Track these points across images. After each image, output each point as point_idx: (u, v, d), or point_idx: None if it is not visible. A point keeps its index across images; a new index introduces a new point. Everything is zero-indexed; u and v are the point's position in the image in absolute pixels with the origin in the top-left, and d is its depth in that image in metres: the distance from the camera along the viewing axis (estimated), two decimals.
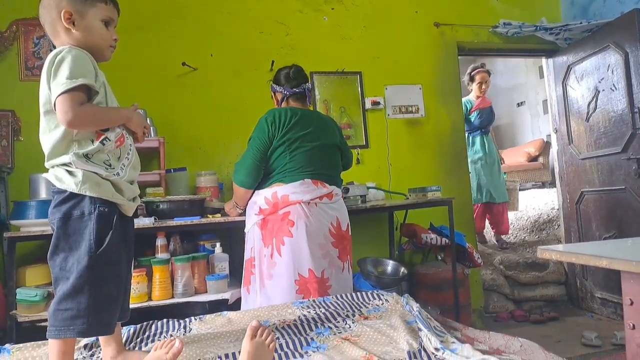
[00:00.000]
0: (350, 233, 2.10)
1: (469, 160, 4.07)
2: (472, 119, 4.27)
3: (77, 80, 1.17)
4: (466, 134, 4.14)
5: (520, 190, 5.80)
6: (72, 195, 1.20)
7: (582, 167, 3.66)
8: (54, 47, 1.28)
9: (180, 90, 3.06)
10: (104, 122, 1.25)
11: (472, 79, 4.35)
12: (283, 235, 1.88)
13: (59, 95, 1.16)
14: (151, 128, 2.80)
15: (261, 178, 2.00)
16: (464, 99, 4.11)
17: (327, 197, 1.98)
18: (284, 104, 2.14)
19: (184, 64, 3.03)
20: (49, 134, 1.22)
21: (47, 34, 1.32)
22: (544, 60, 4.10)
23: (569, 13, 3.94)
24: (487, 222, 4.43)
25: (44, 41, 2.86)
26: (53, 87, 1.17)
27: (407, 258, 3.36)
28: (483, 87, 4.29)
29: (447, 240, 2.91)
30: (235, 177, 2.04)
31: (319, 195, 1.94)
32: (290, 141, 1.96)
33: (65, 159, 1.21)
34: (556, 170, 4.04)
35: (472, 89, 4.36)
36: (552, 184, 4.42)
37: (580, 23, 3.60)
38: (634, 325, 1.09)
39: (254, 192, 2.04)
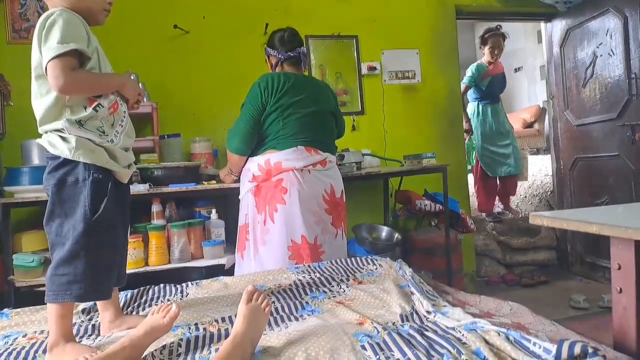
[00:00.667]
0: (344, 200, 2.10)
1: (479, 132, 3.97)
2: (484, 87, 3.96)
3: (68, 45, 1.14)
4: (475, 103, 4.02)
5: None
6: (66, 162, 1.19)
7: (576, 134, 3.67)
8: (42, 10, 1.24)
9: (173, 53, 2.99)
10: (96, 88, 1.23)
11: (484, 42, 4.00)
12: (276, 202, 1.89)
13: (49, 60, 1.13)
14: (144, 93, 2.75)
15: (255, 144, 1.99)
16: (474, 64, 3.96)
17: (320, 164, 1.97)
18: (278, 69, 2.10)
19: (175, 26, 2.95)
20: (41, 99, 1.20)
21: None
22: (542, 25, 4.03)
23: None
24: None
25: (31, 2, 2.76)
26: (44, 51, 1.14)
27: (401, 224, 3.40)
28: (496, 52, 3.94)
29: (441, 207, 2.94)
30: (229, 144, 2.03)
31: (312, 162, 1.94)
32: (283, 107, 1.94)
33: (58, 124, 1.19)
34: (551, 137, 4.05)
35: (484, 53, 4.04)
36: (547, 151, 4.42)
37: None
38: (621, 289, 1.12)
39: (247, 158, 2.03)
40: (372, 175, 2.69)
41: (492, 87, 3.98)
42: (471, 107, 4.08)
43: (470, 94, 4.06)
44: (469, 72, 3.93)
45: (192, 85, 3.01)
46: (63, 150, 1.18)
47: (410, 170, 2.85)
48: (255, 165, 1.97)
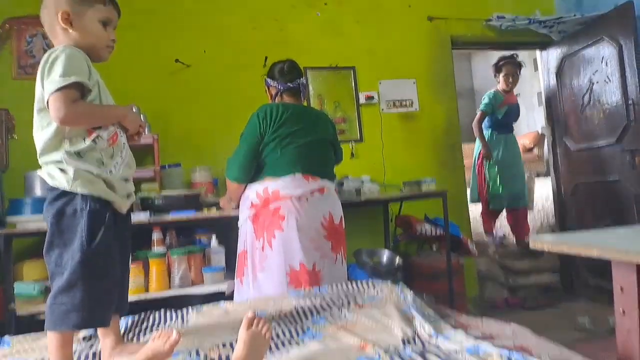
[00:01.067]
0: (344, 226, 2.11)
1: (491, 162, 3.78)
2: (500, 115, 3.78)
3: (69, 78, 1.17)
4: (488, 132, 3.83)
5: None
6: (65, 193, 1.21)
7: (576, 159, 3.69)
8: (48, 47, 1.29)
9: (174, 86, 3.06)
10: (97, 120, 1.26)
11: (498, 70, 3.85)
12: (274, 229, 1.90)
13: (52, 92, 1.16)
14: (146, 125, 2.80)
15: (253, 172, 2.02)
16: (490, 92, 3.84)
17: (318, 192, 1.99)
18: (277, 99, 2.14)
19: (177, 60, 3.04)
20: (42, 131, 1.23)
21: (47, 35, 1.33)
22: (538, 52, 4.11)
23: (562, 5, 3.95)
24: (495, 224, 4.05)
25: (37, 39, 2.86)
26: (46, 84, 1.18)
27: (402, 248, 3.38)
28: (511, 80, 3.79)
29: (442, 231, 2.94)
30: (228, 172, 2.06)
31: (310, 189, 1.96)
32: (281, 137, 1.97)
33: (57, 156, 1.21)
34: (550, 162, 4.07)
35: (498, 81, 3.88)
36: (547, 174, 4.42)
37: (574, 15, 3.61)
38: (624, 312, 1.11)
39: (246, 186, 2.05)
40: (372, 201, 2.70)
41: (508, 117, 3.83)
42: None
43: (484, 123, 3.88)
44: (486, 99, 3.80)
45: (192, 116, 3.07)
46: (61, 181, 1.20)
47: (410, 196, 2.86)
48: (253, 192, 1.99)
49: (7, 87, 2.79)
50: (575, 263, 3.73)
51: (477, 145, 3.85)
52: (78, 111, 1.20)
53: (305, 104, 3.17)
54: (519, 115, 3.98)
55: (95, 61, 1.32)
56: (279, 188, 1.93)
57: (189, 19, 3.13)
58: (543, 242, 1.48)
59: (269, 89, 2.19)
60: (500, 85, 3.85)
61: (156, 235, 2.28)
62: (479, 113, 3.76)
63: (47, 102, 1.18)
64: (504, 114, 3.79)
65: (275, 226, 1.90)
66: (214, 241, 2.38)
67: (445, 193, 2.86)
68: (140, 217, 2.19)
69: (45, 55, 1.22)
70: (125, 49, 2.85)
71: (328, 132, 2.16)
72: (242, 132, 2.06)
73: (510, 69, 3.80)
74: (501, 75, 3.83)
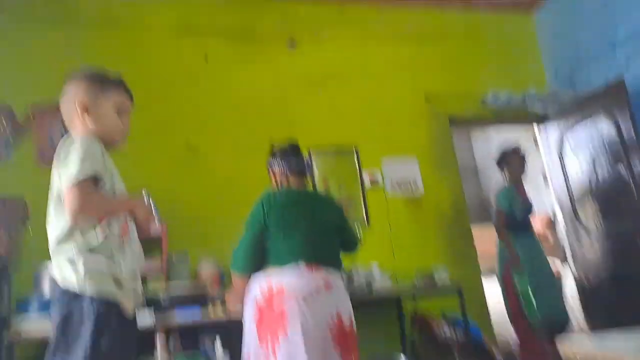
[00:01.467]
0: (354, 327, 1.94)
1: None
2: (518, 215, 3.19)
3: (85, 171, 1.21)
4: (505, 233, 3.14)
5: None
6: (74, 295, 1.20)
7: (592, 243, 3.53)
8: (67, 134, 1.34)
9: (183, 171, 3.10)
10: (109, 211, 1.28)
11: (502, 165, 3.39)
12: (278, 333, 1.76)
13: (68, 186, 1.19)
14: (157, 215, 2.78)
15: (259, 262, 1.93)
16: (503, 189, 3.32)
17: (324, 288, 1.86)
18: (283, 181, 2.11)
19: (186, 145, 3.09)
20: (56, 223, 1.24)
21: (65, 125, 1.38)
22: (536, 130, 4.13)
23: (555, 82, 4.08)
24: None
25: (58, 128, 2.92)
26: (63, 176, 1.22)
27: (422, 354, 3.11)
28: (519, 171, 3.33)
29: (462, 334, 2.76)
30: (233, 264, 1.98)
31: (315, 285, 1.84)
32: (284, 224, 1.93)
33: (68, 250, 1.21)
34: (566, 247, 3.92)
35: (506, 177, 3.38)
36: (564, 261, 4.22)
37: (568, 92, 3.71)
38: None
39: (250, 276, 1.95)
40: (383, 297, 2.59)
41: (525, 214, 3.24)
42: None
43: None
44: (502, 198, 3.24)
45: (200, 202, 3.07)
46: (71, 281, 1.20)
47: (422, 291, 2.75)
48: (257, 287, 1.88)
49: (26, 174, 2.82)
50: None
51: (500, 254, 3.17)
52: (91, 203, 1.22)
53: (310, 187, 3.20)
54: (532, 208, 3.39)
55: (110, 148, 1.37)
56: (283, 283, 1.82)
57: (198, 105, 3.25)
58: (573, 348, 1.38)
59: (273, 172, 2.16)
60: (508, 182, 3.35)
61: (160, 340, 2.17)
62: (498, 214, 3.19)
63: (63, 194, 1.20)
64: (522, 212, 3.21)
65: (279, 330, 1.76)
66: (218, 346, 2.25)
67: (461, 289, 2.75)
68: (145, 320, 2.08)
69: (63, 145, 1.27)
70: (138, 133, 2.88)
71: (334, 218, 2.09)
72: (246, 220, 2.01)
73: (518, 161, 3.35)
74: (506, 170, 3.37)
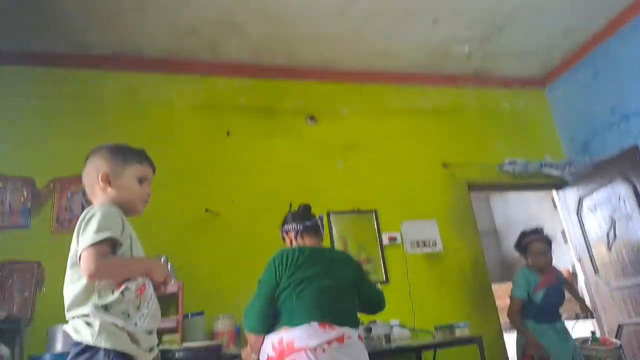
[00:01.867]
0: None
1: None
2: (539, 300, 2.80)
3: (103, 234, 1.24)
4: (531, 324, 2.78)
5: None
6: (88, 348, 1.19)
7: (614, 298, 3.49)
8: (86, 203, 1.40)
9: (203, 234, 3.17)
10: (125, 273, 1.28)
11: (523, 250, 2.99)
12: None
13: (85, 247, 1.22)
14: (172, 275, 2.83)
15: (271, 321, 1.88)
16: (522, 270, 2.96)
17: (336, 342, 1.78)
18: (296, 242, 2.09)
19: (207, 210, 3.19)
20: (72, 285, 1.26)
21: (87, 195, 1.44)
22: (554, 192, 4.19)
23: (570, 149, 4.16)
24: None
25: (77, 196, 3.05)
26: (81, 240, 1.24)
27: None
28: (542, 259, 2.90)
29: None
30: (245, 322, 1.92)
31: (326, 339, 1.76)
32: (297, 282, 1.86)
33: (84, 310, 1.22)
34: (588, 302, 3.83)
35: (528, 262, 2.96)
36: (586, 316, 4.11)
37: (584, 158, 3.78)
38: None
39: (264, 336, 1.90)
40: (402, 348, 2.52)
41: (548, 300, 2.82)
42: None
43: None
44: (520, 280, 2.87)
45: (219, 263, 3.11)
46: (86, 336, 1.20)
47: (443, 343, 2.67)
48: (269, 344, 1.83)
49: (44, 240, 2.91)
50: None
51: (517, 342, 2.85)
52: (107, 266, 1.23)
53: (328, 245, 3.20)
54: (564, 297, 2.94)
55: (130, 215, 1.41)
56: (294, 338, 1.76)
57: (219, 171, 3.37)
58: None
59: (286, 234, 2.14)
60: (532, 263, 2.93)
61: None
62: (515, 302, 2.82)
63: (79, 257, 1.22)
64: (542, 298, 2.80)
65: None
66: None
67: (481, 338, 2.66)
68: None
69: (83, 214, 1.30)
70: (158, 200, 3.02)
71: (350, 274, 2.01)
72: (259, 279, 1.98)
73: (540, 246, 2.92)
74: (528, 255, 2.95)
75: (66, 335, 1.28)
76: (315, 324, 1.78)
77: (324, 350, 1.73)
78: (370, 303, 2.06)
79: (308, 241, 2.07)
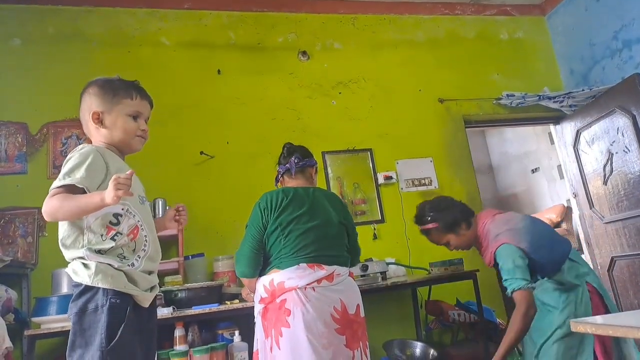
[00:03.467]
0: (362, 315, 1.88)
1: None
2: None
3: (65, 180, 1.22)
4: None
5: None
6: (87, 289, 1.22)
7: (607, 232, 3.56)
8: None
9: (198, 177, 3.16)
10: (75, 212, 1.22)
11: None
12: (281, 325, 1.73)
13: (50, 190, 1.23)
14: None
15: (262, 264, 1.90)
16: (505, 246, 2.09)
17: (326, 280, 1.79)
18: (280, 184, 2.07)
19: (202, 152, 3.16)
20: (64, 227, 1.28)
21: (84, 135, 1.43)
22: (552, 126, 4.16)
23: (569, 81, 4.07)
24: None
25: (72, 141, 3.04)
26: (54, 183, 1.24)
27: (435, 338, 3.19)
28: (450, 247, 2.33)
29: (476, 317, 2.78)
30: (236, 268, 1.92)
31: (315, 279, 1.78)
32: (283, 225, 1.84)
33: (80, 252, 1.24)
34: (581, 236, 3.93)
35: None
36: (580, 250, 4.24)
37: (583, 90, 3.70)
38: None
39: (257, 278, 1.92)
40: (398, 285, 2.60)
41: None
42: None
43: None
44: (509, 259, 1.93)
45: (216, 206, 3.13)
46: (84, 277, 1.22)
47: (438, 278, 2.75)
48: (261, 286, 1.85)
49: (42, 186, 2.88)
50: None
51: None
52: (52, 207, 1.21)
53: (323, 186, 3.20)
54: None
55: (128, 153, 1.40)
56: (283, 280, 1.78)
57: (212, 113, 3.31)
58: (586, 324, 1.37)
59: (279, 175, 2.10)
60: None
61: (178, 332, 2.22)
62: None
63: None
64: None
65: (282, 322, 1.72)
66: (236, 336, 2.29)
67: (476, 274, 2.74)
68: (163, 312, 2.15)
69: (69, 154, 1.29)
70: (153, 143, 2.99)
71: (338, 214, 1.97)
72: (246, 223, 1.94)
73: (431, 238, 2.34)
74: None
75: (70, 277, 1.29)
76: (304, 265, 1.79)
77: (313, 289, 1.75)
78: (352, 246, 2.02)
79: (293, 182, 2.02)
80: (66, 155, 2.87)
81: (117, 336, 1.18)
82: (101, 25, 3.31)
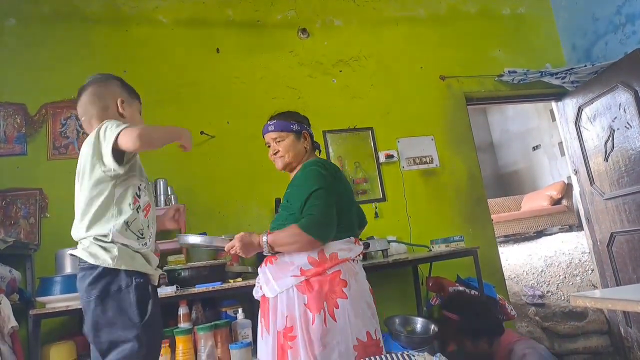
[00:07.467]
0: None
1: None
2: None
3: (125, 125, 1.31)
4: None
5: (546, 234, 5.63)
6: (107, 271, 1.25)
7: (608, 208, 3.57)
8: (80, 128, 1.44)
9: (199, 157, 3.15)
10: (164, 136, 1.44)
11: None
12: (336, 297, 1.65)
13: (119, 132, 1.26)
14: (172, 196, 2.87)
15: None
16: None
17: (360, 255, 1.85)
18: (311, 151, 1.93)
19: (202, 132, 3.15)
20: (92, 203, 1.29)
21: (93, 110, 1.45)
22: (553, 103, 4.13)
23: (572, 57, 4.01)
24: None
25: (71, 121, 3.02)
26: (108, 137, 1.27)
27: (436, 314, 3.23)
28: None
29: (476, 293, 2.81)
30: (321, 232, 1.67)
31: (358, 253, 1.80)
32: (340, 196, 1.76)
33: (105, 229, 1.27)
34: (581, 212, 3.94)
35: None
36: (580, 227, 4.26)
37: (585, 66, 3.66)
38: None
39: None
40: (399, 262, 2.62)
41: None
42: None
43: None
44: None
45: (216, 185, 3.13)
46: (105, 259, 1.24)
47: (439, 255, 2.77)
48: (304, 258, 1.69)
49: (42, 167, 2.91)
50: (625, 322, 3.48)
51: None
52: (148, 129, 1.33)
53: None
54: None
55: None
56: (336, 250, 1.71)
57: (212, 93, 3.28)
58: (585, 298, 1.38)
59: (306, 134, 1.92)
60: None
61: (182, 310, 2.25)
62: None
63: (113, 148, 1.26)
64: None
65: (337, 294, 1.65)
66: (240, 314, 2.32)
67: (476, 251, 2.76)
68: (167, 290, 2.17)
69: (96, 130, 1.33)
70: (152, 123, 2.98)
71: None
72: (315, 187, 1.70)
73: None
74: None
75: (75, 259, 1.31)
76: (352, 239, 1.80)
77: (358, 261, 1.81)
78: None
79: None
80: (66, 136, 2.94)
81: (149, 312, 1.25)
82: (97, 4, 3.25)
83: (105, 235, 1.26)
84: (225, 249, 1.78)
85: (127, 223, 1.29)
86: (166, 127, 1.50)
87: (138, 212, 1.33)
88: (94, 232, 1.27)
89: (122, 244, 1.27)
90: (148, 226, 1.37)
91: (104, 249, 1.25)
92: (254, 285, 1.90)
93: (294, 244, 1.69)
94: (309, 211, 1.68)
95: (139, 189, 1.39)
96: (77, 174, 1.36)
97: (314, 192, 1.70)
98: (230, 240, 1.79)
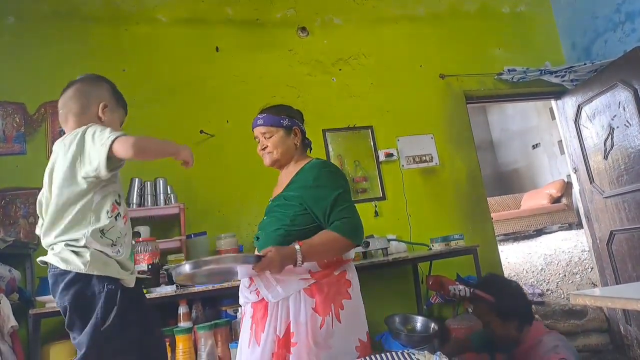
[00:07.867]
0: None
1: None
2: None
3: (120, 132, 1.29)
4: None
5: (546, 233, 5.64)
6: (79, 276, 1.24)
7: (607, 206, 3.57)
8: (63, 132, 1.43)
9: (198, 156, 3.07)
10: (160, 149, 1.41)
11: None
12: (342, 298, 1.62)
13: (114, 139, 1.24)
14: (171, 195, 2.86)
15: None
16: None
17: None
18: (301, 148, 1.87)
19: (201, 131, 3.14)
20: (70, 207, 1.27)
21: (68, 114, 1.44)
22: (553, 101, 4.13)
23: (571, 55, 4.01)
24: None
25: None
26: (99, 143, 1.24)
27: (436, 312, 3.23)
28: None
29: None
30: (358, 233, 1.64)
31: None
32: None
33: (76, 234, 1.25)
34: (581, 211, 3.94)
35: None
36: (579, 225, 4.25)
37: (584, 64, 3.65)
38: None
39: None
40: (399, 261, 2.63)
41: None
42: None
43: None
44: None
45: (216, 184, 3.13)
46: (77, 265, 1.23)
47: (439, 254, 2.77)
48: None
49: (41, 166, 2.87)
50: (624, 320, 3.48)
51: None
52: (143, 140, 1.30)
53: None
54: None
55: None
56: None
57: (212, 92, 3.27)
58: (585, 297, 1.38)
59: (297, 130, 1.87)
60: None
61: (182, 310, 2.25)
62: None
63: (108, 155, 1.24)
64: None
65: (342, 295, 1.63)
66: (240, 314, 2.32)
67: (476, 249, 2.76)
68: (166, 289, 2.17)
69: (79, 133, 1.30)
70: (152, 122, 3.00)
71: None
72: (339, 191, 1.64)
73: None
74: None
75: (51, 265, 1.30)
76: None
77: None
78: None
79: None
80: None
81: (110, 319, 1.23)
82: (97, 2, 3.24)
83: (76, 240, 1.25)
84: (255, 270, 1.45)
85: (102, 231, 1.27)
86: (164, 141, 1.44)
87: (117, 219, 1.31)
88: (67, 237, 1.26)
89: (96, 250, 1.26)
90: (125, 234, 1.35)
91: (76, 253, 1.23)
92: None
93: (330, 251, 1.62)
94: (340, 215, 1.60)
95: (119, 196, 1.38)
96: (48, 175, 1.33)
97: (339, 195, 1.64)
98: (246, 257, 1.52)
